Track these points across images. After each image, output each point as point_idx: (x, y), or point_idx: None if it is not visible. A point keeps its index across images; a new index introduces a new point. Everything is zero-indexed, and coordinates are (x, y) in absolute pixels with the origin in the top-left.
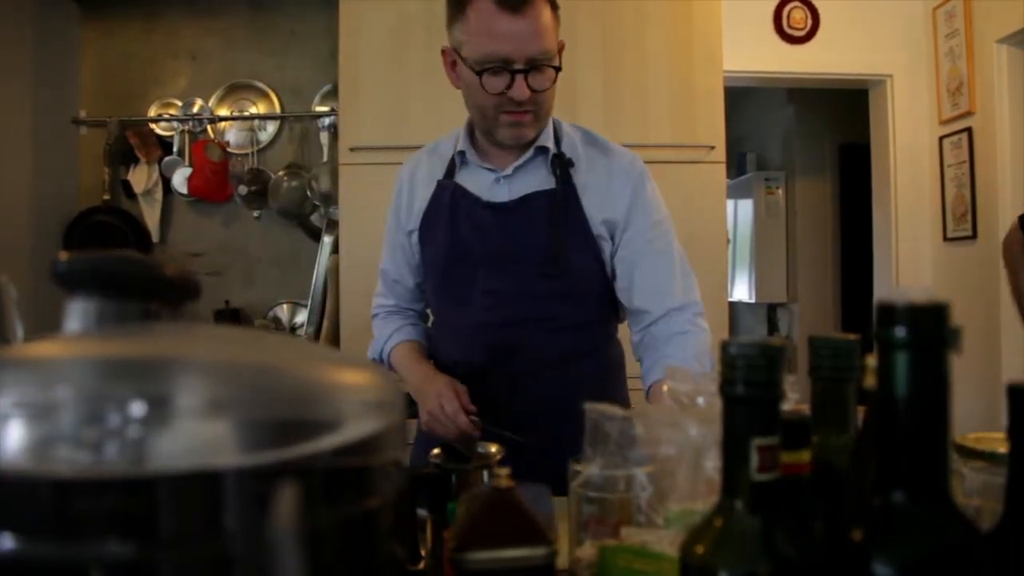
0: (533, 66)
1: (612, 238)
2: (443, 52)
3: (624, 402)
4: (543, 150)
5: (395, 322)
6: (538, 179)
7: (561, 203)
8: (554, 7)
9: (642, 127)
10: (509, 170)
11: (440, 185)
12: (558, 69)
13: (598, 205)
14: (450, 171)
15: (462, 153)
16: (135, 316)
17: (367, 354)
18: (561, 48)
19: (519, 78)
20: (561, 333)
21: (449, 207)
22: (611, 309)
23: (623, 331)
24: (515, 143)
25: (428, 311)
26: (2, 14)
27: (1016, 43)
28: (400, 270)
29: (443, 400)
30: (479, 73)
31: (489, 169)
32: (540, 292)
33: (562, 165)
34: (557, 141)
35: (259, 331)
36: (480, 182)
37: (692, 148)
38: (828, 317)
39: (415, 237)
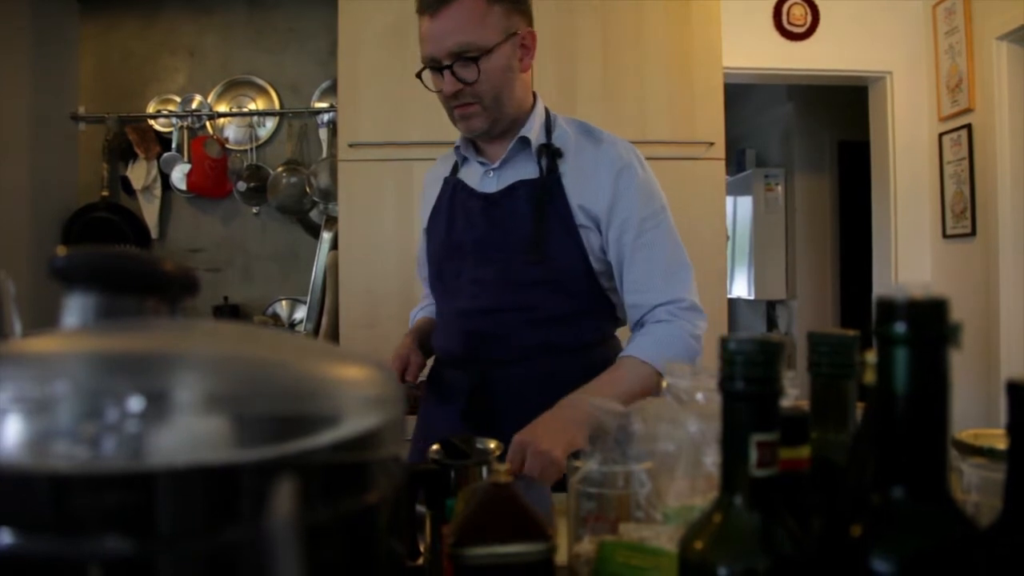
0: (458, 59)
1: (598, 229)
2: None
3: None
4: (527, 141)
5: (423, 303)
6: (525, 169)
7: (544, 192)
8: (493, 1)
9: (641, 123)
10: (497, 163)
11: (446, 182)
12: (476, 59)
13: (580, 194)
14: (455, 168)
15: (458, 148)
16: (133, 312)
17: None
18: (529, 39)
19: (446, 73)
20: (544, 325)
21: (448, 201)
22: (603, 306)
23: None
24: (469, 134)
25: None
26: (1, 10)
27: (1016, 40)
28: (422, 264)
29: (392, 358)
30: (421, 73)
31: (482, 163)
32: (523, 280)
33: (549, 155)
34: (549, 132)
35: (258, 327)
36: (476, 175)
37: (692, 145)
38: (827, 314)
39: (425, 233)
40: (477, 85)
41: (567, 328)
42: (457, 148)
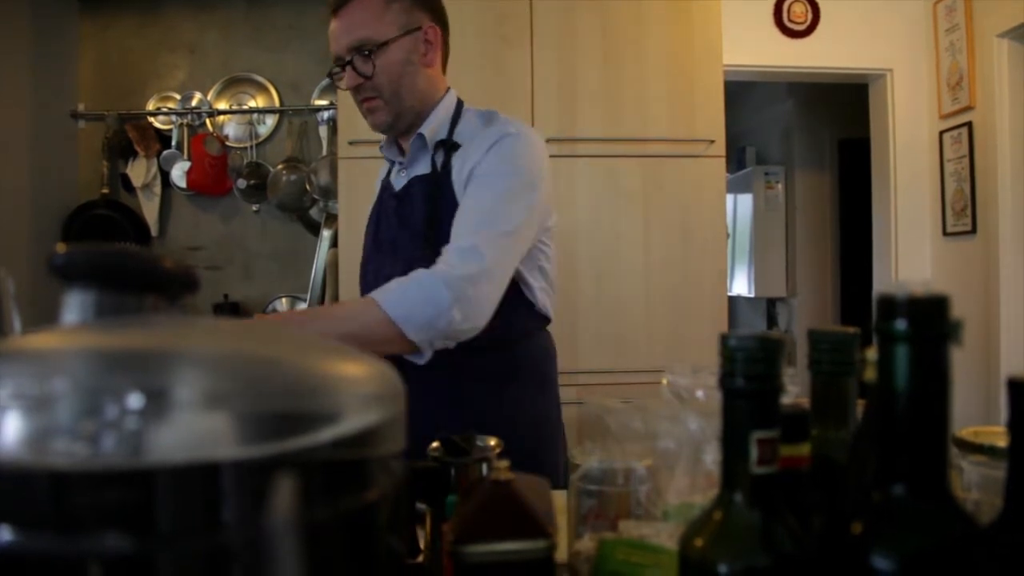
0: (357, 55)
1: None
2: None
3: (518, 404)
4: (423, 138)
5: None
6: (422, 166)
7: (435, 187)
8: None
9: (642, 121)
10: (405, 160)
11: (382, 186)
12: (369, 53)
13: (459, 172)
14: (389, 171)
15: (382, 149)
16: (133, 309)
17: None
18: (432, 33)
19: (347, 69)
20: None
21: (378, 203)
22: (515, 301)
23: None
24: (375, 129)
25: None
26: (1, 8)
27: (1016, 38)
28: None
29: None
30: (331, 75)
31: (399, 162)
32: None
33: (446, 150)
34: (454, 126)
35: (257, 323)
36: (395, 175)
37: (692, 142)
38: (827, 311)
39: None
40: (375, 79)
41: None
42: (381, 148)
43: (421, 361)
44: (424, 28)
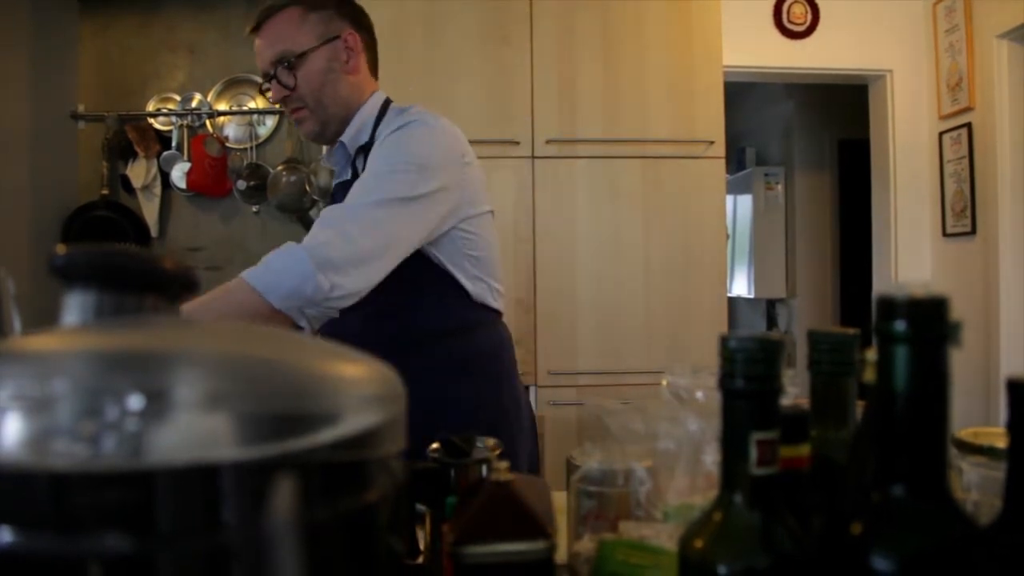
0: (279, 67)
1: None
2: None
3: (474, 399)
4: (343, 145)
5: None
6: (344, 172)
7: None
8: (307, 10)
9: (641, 122)
10: (334, 166)
11: None
12: (289, 65)
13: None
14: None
15: (324, 160)
16: (133, 310)
17: None
18: (345, 41)
19: (273, 83)
20: (385, 317)
21: None
22: (446, 287)
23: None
24: (306, 138)
25: None
26: (1, 9)
27: (1016, 38)
28: None
29: None
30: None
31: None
32: None
33: (364, 152)
34: (374, 129)
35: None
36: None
37: (691, 143)
38: (827, 312)
39: None
40: (298, 89)
41: (410, 317)
42: (324, 159)
43: (304, 332)
44: (343, 36)
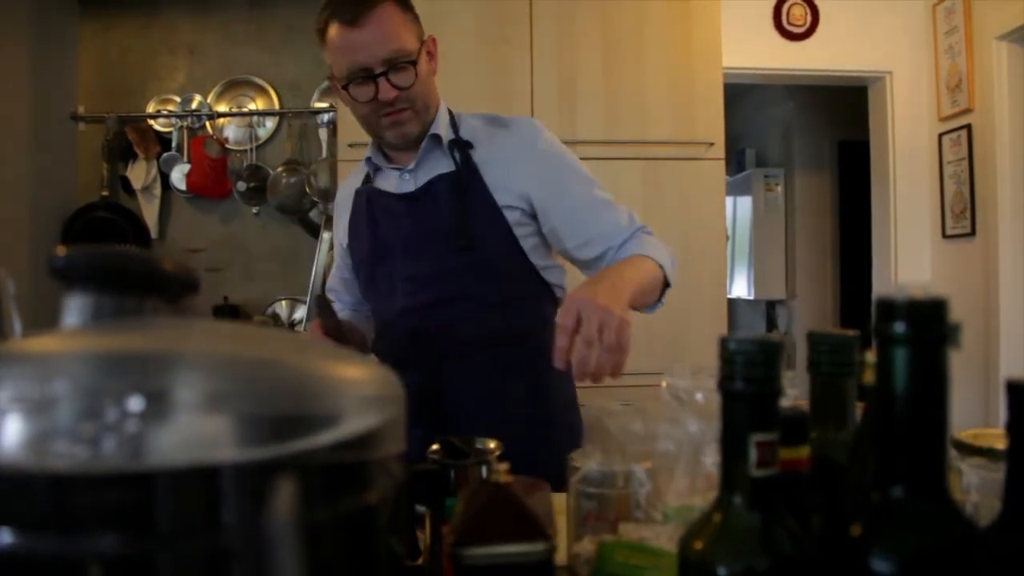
0: (391, 67)
1: (529, 207)
2: (329, 79)
3: (550, 390)
4: (437, 138)
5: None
6: (440, 165)
7: (462, 181)
8: (405, 10)
9: (642, 124)
10: (412, 165)
11: (358, 193)
12: (414, 63)
13: (500, 176)
14: (367, 180)
15: (369, 159)
16: (133, 311)
17: None
18: (432, 44)
19: (382, 81)
20: (485, 314)
21: (367, 209)
22: (539, 290)
23: None
24: (401, 141)
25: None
26: (1, 10)
27: (1016, 40)
28: (343, 284)
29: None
30: (347, 87)
31: (396, 168)
32: (455, 269)
33: (460, 147)
34: (456, 129)
35: (257, 326)
36: (392, 182)
37: (691, 145)
38: (827, 313)
39: (348, 248)
40: (412, 90)
41: (508, 315)
42: (368, 159)
43: (654, 310)
44: (427, 39)
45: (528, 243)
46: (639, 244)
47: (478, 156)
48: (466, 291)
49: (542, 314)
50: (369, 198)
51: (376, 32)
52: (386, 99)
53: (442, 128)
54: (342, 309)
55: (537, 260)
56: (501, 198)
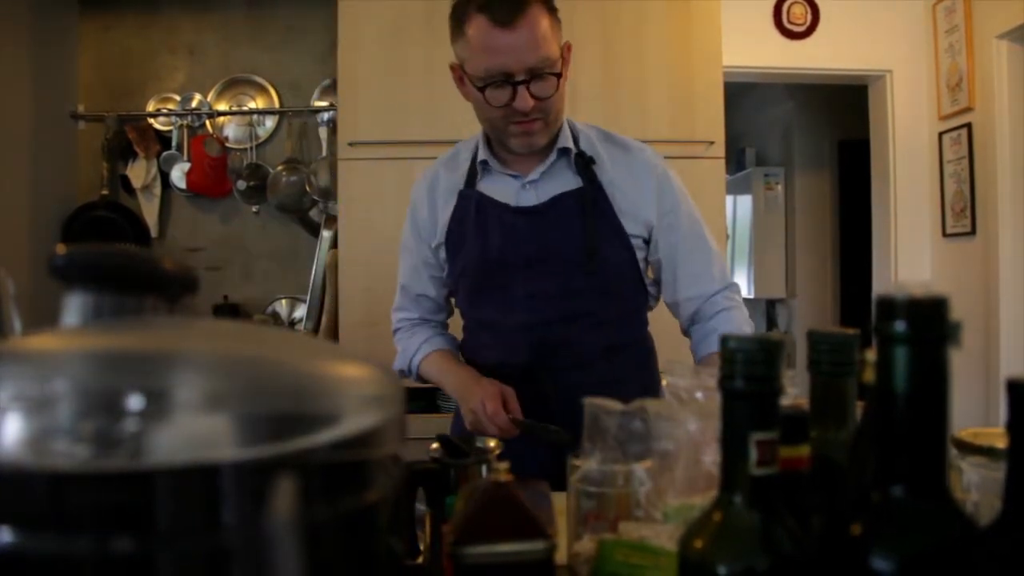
0: (534, 75)
1: (648, 234)
2: (452, 68)
3: (658, 388)
4: (566, 151)
5: (423, 333)
6: (564, 180)
7: (590, 201)
8: (552, 13)
9: (641, 122)
10: (535, 175)
11: (463, 195)
12: (558, 75)
13: (628, 202)
14: (471, 181)
15: (484, 162)
16: (133, 310)
17: (393, 366)
18: (567, 51)
19: (521, 89)
20: (603, 327)
21: (475, 216)
22: (643, 299)
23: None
24: (527, 151)
25: (449, 320)
26: (1, 10)
27: (1016, 39)
28: (424, 284)
29: (486, 399)
30: (482, 88)
31: (513, 175)
32: (580, 288)
33: (585, 164)
34: (575, 140)
35: (257, 326)
36: (505, 189)
37: (691, 144)
38: (827, 312)
39: (442, 251)
40: (550, 100)
41: (621, 327)
42: (483, 161)
43: None
44: (565, 43)
45: (642, 265)
46: (727, 318)
47: (603, 176)
48: (587, 308)
49: (645, 322)
50: (479, 206)
51: (526, 36)
52: (523, 108)
53: (569, 140)
54: (418, 319)
55: (646, 277)
56: (628, 225)
